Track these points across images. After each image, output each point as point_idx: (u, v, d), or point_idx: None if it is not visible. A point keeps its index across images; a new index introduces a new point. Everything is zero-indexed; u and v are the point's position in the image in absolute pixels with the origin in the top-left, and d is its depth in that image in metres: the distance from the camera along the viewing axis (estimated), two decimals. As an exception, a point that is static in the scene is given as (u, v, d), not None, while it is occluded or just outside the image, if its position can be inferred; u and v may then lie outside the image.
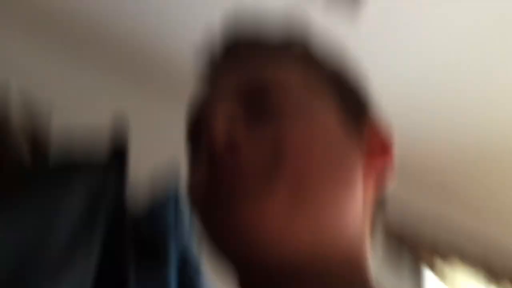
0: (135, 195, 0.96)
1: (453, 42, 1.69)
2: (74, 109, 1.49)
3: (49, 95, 1.39)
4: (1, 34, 1.56)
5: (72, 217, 0.76)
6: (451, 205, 2.23)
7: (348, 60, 0.54)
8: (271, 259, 0.41)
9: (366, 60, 0.78)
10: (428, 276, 2.10)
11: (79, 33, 1.69)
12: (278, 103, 0.44)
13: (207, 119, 0.41)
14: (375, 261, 0.51)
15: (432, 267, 2.08)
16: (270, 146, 0.42)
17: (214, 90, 0.46)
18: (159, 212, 0.95)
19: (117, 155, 0.89)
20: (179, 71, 1.55)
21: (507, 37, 1.66)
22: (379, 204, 0.52)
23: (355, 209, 0.46)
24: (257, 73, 0.46)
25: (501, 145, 2.01)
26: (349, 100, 0.49)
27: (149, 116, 1.60)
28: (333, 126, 0.46)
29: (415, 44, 1.72)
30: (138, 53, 1.76)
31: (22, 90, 1.26)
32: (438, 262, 2.11)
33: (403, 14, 1.62)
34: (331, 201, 0.44)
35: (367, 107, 0.52)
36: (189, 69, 0.64)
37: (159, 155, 1.15)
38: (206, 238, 0.45)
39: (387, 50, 1.74)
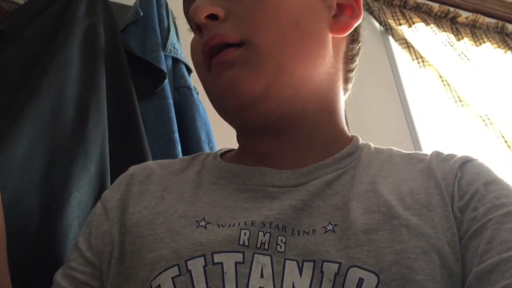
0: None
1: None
2: None
3: None
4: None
5: (78, 72, 0.84)
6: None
7: None
8: (258, 113, 0.54)
9: None
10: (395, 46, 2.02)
11: None
12: None
13: (194, 5, 0.54)
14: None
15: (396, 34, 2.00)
16: (242, 19, 0.53)
17: None
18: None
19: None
20: None
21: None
22: (352, 56, 0.64)
23: (325, 63, 0.58)
24: None
25: None
26: None
27: None
28: None
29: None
30: None
31: None
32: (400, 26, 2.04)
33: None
34: (302, 63, 0.55)
35: None
36: None
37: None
38: (208, 95, 0.59)
39: None
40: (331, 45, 0.58)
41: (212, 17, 0.54)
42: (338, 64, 0.61)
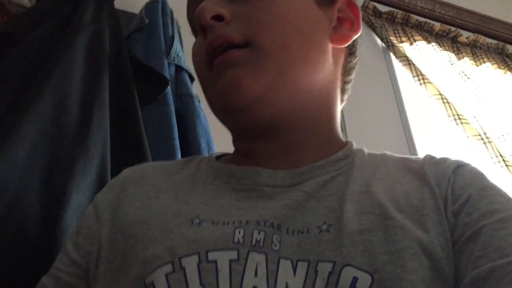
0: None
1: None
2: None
3: None
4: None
5: (81, 74, 0.86)
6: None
7: None
8: (258, 113, 0.54)
9: None
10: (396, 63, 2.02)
11: None
12: None
13: (201, 6, 0.55)
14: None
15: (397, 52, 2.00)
16: (248, 21, 0.54)
17: None
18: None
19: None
20: None
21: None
22: (349, 69, 0.66)
23: (324, 70, 0.59)
24: None
25: None
26: None
27: None
28: (304, 2, 0.58)
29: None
30: None
31: None
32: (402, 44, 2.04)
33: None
34: (303, 67, 0.56)
35: None
36: None
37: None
38: (206, 97, 0.61)
39: None
40: (331, 54, 0.60)
41: (218, 18, 0.55)
42: (337, 74, 0.62)
